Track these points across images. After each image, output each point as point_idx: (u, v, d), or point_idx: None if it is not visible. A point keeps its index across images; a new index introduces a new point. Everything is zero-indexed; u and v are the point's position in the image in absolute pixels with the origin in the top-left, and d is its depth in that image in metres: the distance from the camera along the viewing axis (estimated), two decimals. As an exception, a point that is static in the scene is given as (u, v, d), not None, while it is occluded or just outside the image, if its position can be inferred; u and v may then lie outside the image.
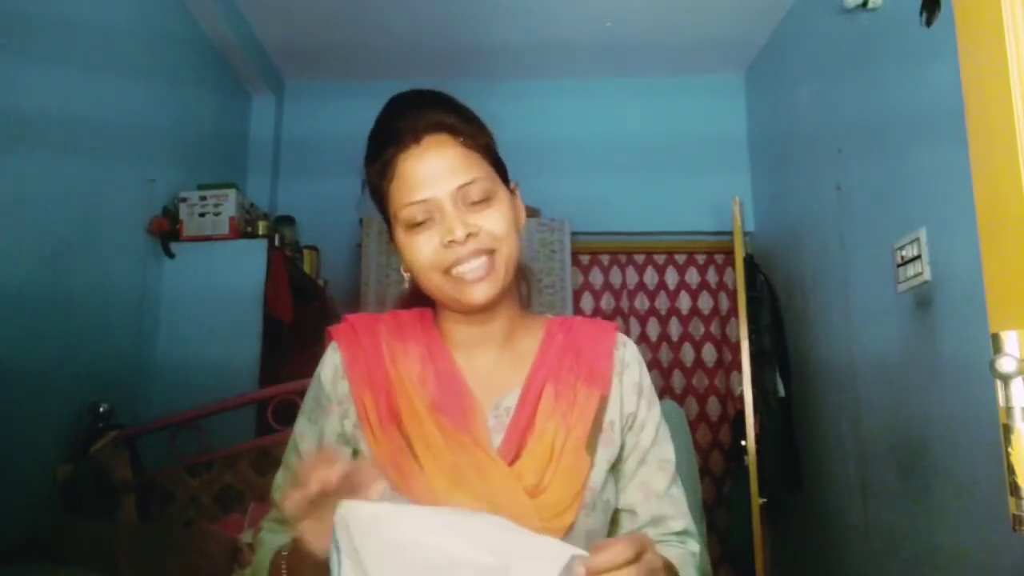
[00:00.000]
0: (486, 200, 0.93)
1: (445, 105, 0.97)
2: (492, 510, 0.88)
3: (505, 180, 0.99)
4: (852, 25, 2.65)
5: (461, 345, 1.01)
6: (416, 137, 0.92)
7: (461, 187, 0.91)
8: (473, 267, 0.92)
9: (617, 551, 0.70)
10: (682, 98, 3.81)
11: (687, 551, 0.98)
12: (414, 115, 0.94)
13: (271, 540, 0.95)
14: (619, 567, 0.70)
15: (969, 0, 0.97)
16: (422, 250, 0.92)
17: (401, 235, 0.94)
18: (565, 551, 0.69)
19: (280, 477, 1.01)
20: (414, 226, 0.92)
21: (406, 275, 0.99)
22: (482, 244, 0.91)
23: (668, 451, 1.02)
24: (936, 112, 2.10)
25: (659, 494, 0.99)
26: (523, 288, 1.07)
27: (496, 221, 0.93)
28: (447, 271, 0.92)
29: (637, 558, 0.71)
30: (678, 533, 0.99)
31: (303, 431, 1.00)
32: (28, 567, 1.70)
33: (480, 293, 0.93)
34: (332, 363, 1.00)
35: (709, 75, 3.83)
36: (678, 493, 1.01)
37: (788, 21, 3.30)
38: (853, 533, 2.64)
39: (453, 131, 0.94)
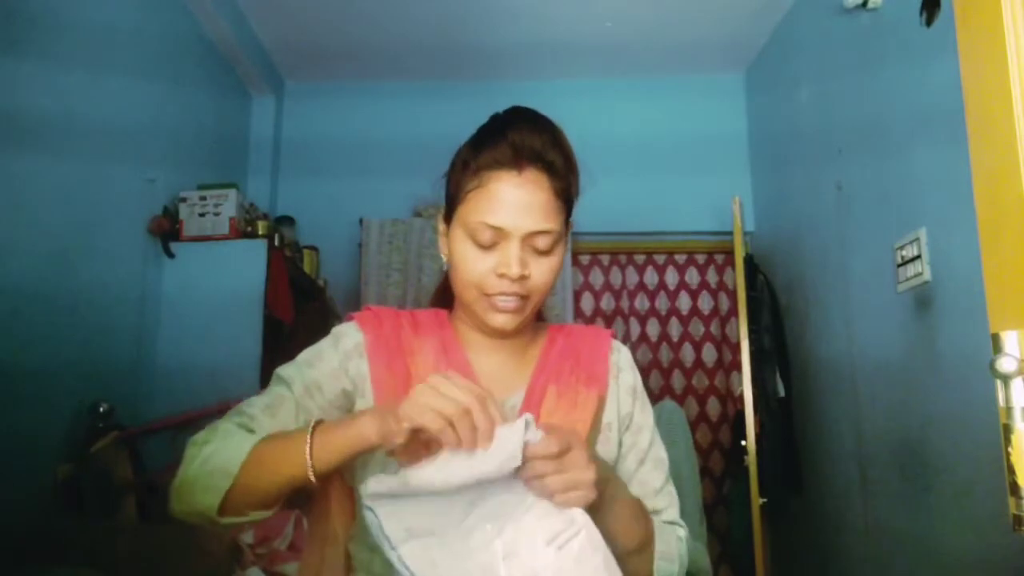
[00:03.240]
0: (547, 252, 0.96)
1: (559, 144, 0.98)
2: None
3: (568, 219, 1.02)
4: (852, 25, 2.65)
5: (472, 347, 1.05)
6: (519, 164, 0.94)
7: (535, 233, 0.94)
8: (507, 300, 0.95)
9: (544, 444, 0.80)
10: (682, 98, 3.81)
11: (671, 529, 1.02)
12: (529, 136, 0.95)
13: (238, 433, 0.92)
14: (545, 458, 0.80)
15: (969, 0, 0.97)
16: (475, 267, 0.95)
17: (460, 237, 0.97)
18: (517, 438, 0.79)
19: (257, 399, 0.99)
20: (477, 243, 0.95)
21: (444, 258, 1.03)
22: (524, 289, 0.96)
23: (663, 452, 1.08)
24: (936, 112, 2.10)
25: (655, 491, 1.04)
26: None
27: (546, 274, 0.97)
28: (486, 293, 0.96)
29: (561, 454, 0.81)
30: (669, 522, 1.03)
31: (292, 376, 1.00)
32: (28, 567, 1.70)
33: (504, 322, 0.97)
34: (354, 340, 1.02)
35: (709, 75, 3.83)
36: (672, 490, 1.06)
37: (788, 21, 3.30)
38: (853, 533, 2.64)
39: (554, 175, 0.96)
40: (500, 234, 0.94)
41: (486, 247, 0.95)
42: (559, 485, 0.81)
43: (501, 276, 0.94)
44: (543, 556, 0.79)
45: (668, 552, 0.98)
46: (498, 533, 0.80)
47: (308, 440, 0.84)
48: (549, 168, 0.95)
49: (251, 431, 0.95)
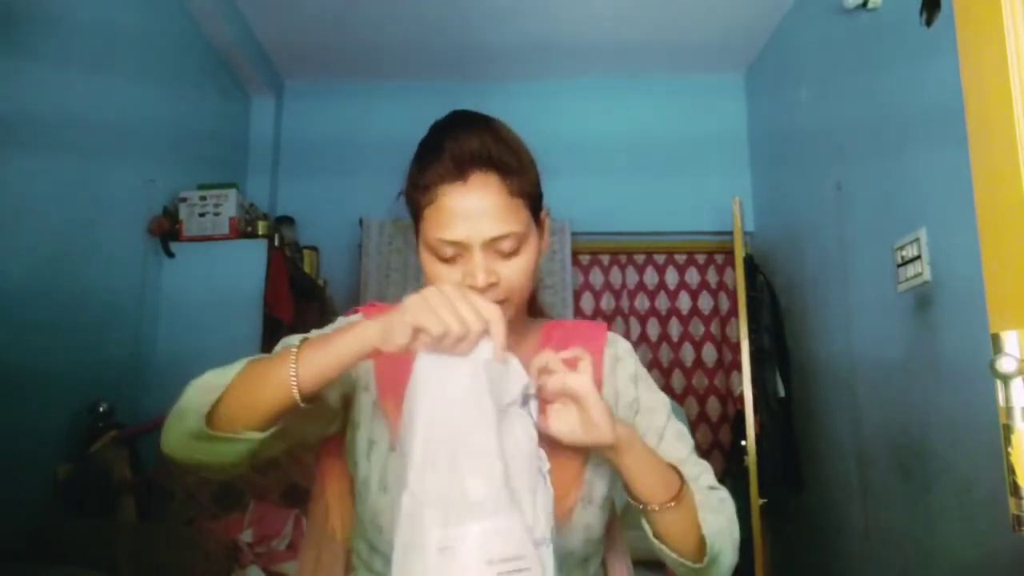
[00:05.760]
0: (514, 253, 0.93)
1: (500, 140, 0.95)
2: None
3: (538, 212, 0.99)
4: (852, 25, 2.65)
5: None
6: (463, 172, 0.91)
7: (495, 239, 0.91)
8: None
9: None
10: (682, 98, 3.81)
11: (714, 492, 1.00)
12: (466, 141, 0.92)
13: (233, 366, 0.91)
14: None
15: (969, 0, 0.97)
16: (444, 283, 0.93)
17: (426, 256, 0.95)
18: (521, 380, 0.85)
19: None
20: (441, 259, 0.93)
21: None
22: (498, 294, 0.92)
23: (683, 427, 1.07)
24: (936, 112, 2.10)
25: (683, 460, 1.01)
26: (532, 297, 1.09)
27: (517, 274, 0.94)
28: None
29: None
30: (710, 487, 1.01)
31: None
32: (28, 567, 1.70)
33: None
34: None
35: (709, 75, 3.83)
36: (701, 460, 1.04)
37: (788, 21, 3.30)
38: (853, 533, 2.64)
39: (501, 171, 0.92)
40: (460, 247, 0.91)
41: (451, 262, 0.92)
42: (572, 380, 0.87)
43: (470, 288, 0.91)
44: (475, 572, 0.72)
45: (712, 505, 0.96)
46: (441, 523, 0.74)
47: (294, 354, 0.82)
48: (495, 166, 0.92)
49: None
